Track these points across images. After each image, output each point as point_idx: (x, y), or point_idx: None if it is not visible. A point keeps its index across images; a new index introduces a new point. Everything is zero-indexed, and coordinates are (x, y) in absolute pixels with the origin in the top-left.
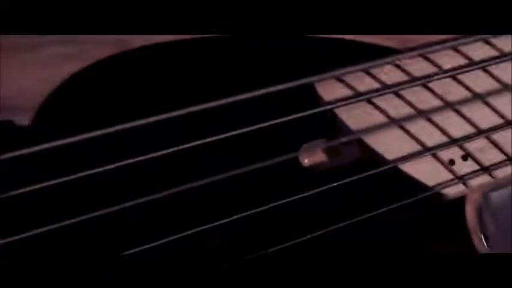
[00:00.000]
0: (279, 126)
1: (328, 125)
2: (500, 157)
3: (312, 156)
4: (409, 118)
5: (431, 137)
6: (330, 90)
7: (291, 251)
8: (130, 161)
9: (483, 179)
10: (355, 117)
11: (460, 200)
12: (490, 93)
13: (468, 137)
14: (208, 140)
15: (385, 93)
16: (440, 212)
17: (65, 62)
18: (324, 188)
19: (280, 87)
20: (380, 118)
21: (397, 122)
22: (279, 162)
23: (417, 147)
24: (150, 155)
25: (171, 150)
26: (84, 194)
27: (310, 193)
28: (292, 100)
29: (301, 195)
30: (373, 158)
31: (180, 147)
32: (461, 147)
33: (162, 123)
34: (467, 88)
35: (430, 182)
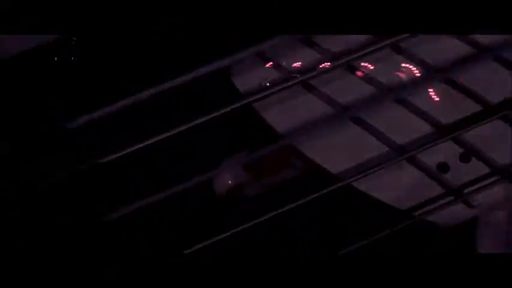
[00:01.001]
0: (187, 136)
1: (255, 130)
2: None
3: (231, 178)
4: (366, 107)
5: (404, 132)
6: (248, 76)
7: None
8: None
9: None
10: (285, 114)
11: (464, 227)
12: None
13: (469, 124)
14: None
15: (333, 71)
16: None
17: None
18: (251, 223)
19: (181, 80)
20: (321, 112)
21: (350, 113)
22: (188, 189)
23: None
24: None
25: None
26: None
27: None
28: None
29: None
30: (318, 173)
31: None
32: (459, 142)
33: None
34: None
35: (404, 204)
